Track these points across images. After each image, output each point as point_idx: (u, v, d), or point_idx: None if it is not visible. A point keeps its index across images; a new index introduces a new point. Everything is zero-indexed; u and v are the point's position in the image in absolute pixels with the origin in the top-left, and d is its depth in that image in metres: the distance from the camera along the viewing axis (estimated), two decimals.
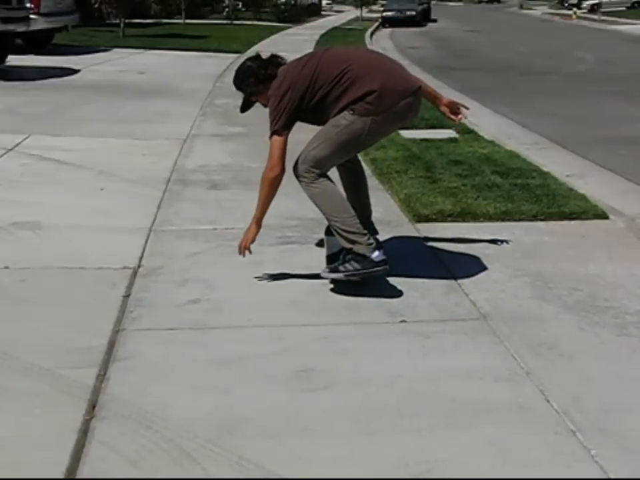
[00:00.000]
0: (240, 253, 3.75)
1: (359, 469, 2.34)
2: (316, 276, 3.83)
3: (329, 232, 3.79)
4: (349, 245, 3.59)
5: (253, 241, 3.72)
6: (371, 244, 3.59)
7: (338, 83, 3.57)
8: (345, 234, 3.58)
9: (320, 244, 4.16)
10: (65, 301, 3.51)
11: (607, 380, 2.90)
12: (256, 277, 3.84)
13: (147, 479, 2.28)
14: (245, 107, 3.89)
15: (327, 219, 3.67)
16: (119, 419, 2.56)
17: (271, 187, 3.62)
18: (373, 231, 3.94)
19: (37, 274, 3.80)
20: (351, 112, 3.55)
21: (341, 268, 3.63)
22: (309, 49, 15.14)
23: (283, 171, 3.59)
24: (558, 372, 2.94)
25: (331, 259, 3.80)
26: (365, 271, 3.59)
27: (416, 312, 3.45)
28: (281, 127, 3.55)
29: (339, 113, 3.58)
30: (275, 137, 3.57)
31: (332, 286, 3.71)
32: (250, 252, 3.75)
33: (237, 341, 3.16)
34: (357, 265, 3.58)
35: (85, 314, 3.37)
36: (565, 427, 2.56)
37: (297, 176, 3.64)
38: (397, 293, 3.64)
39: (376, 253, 3.58)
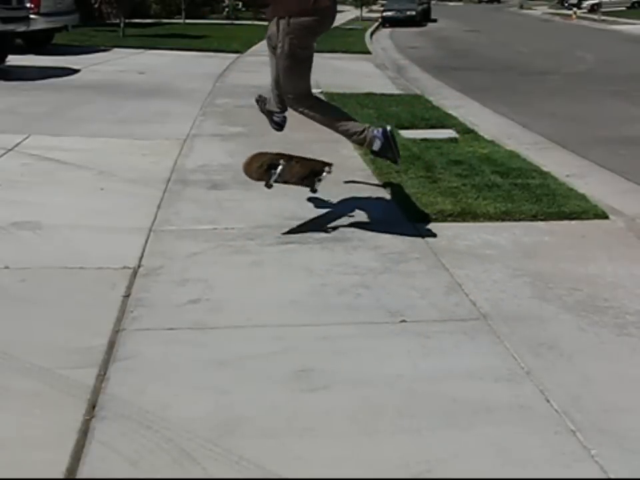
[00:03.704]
0: None
1: (359, 469, 2.34)
2: (316, 276, 3.84)
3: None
4: (362, 136, 4.31)
5: None
6: (369, 127, 4.34)
7: None
8: (353, 135, 4.36)
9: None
10: (64, 301, 3.51)
11: (607, 380, 2.90)
12: (256, 277, 3.84)
13: (147, 479, 2.28)
14: None
15: (334, 130, 4.44)
16: (119, 418, 2.56)
17: None
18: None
19: (37, 274, 3.80)
20: (283, 33, 4.12)
21: (374, 148, 4.34)
22: None
23: None
24: (558, 372, 2.94)
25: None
26: (389, 145, 4.30)
27: (416, 312, 3.45)
28: None
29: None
30: None
31: (332, 286, 3.71)
32: None
33: (236, 341, 3.16)
34: (379, 143, 4.30)
35: (85, 314, 3.38)
36: (565, 427, 2.57)
37: (296, 110, 4.40)
38: (397, 293, 3.65)
39: (378, 143, 4.29)
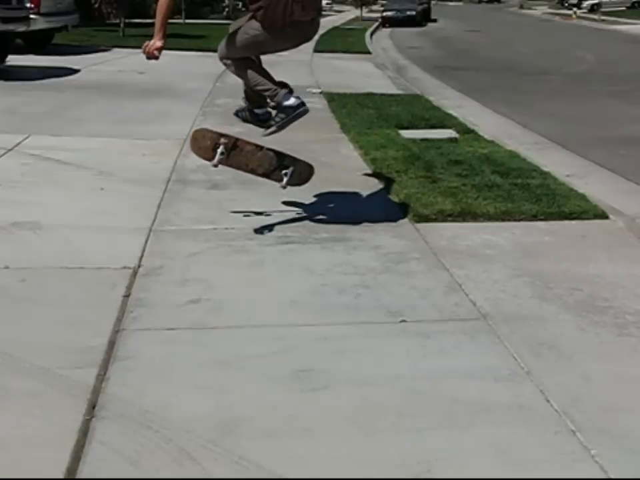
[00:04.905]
0: (146, 57, 4.36)
1: (359, 468, 2.34)
2: (316, 276, 3.84)
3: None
4: (275, 92, 4.36)
5: (158, 49, 4.37)
6: (286, 92, 4.36)
7: None
8: (266, 92, 4.40)
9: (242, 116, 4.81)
10: (65, 301, 3.51)
11: (607, 380, 2.90)
12: (256, 277, 3.84)
13: (147, 479, 2.28)
14: None
15: (251, 87, 4.48)
16: (119, 418, 2.56)
17: (167, 8, 4.69)
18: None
19: (37, 274, 3.80)
20: (262, 28, 4.21)
21: (272, 123, 4.45)
22: (309, 49, 15.16)
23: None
24: (558, 372, 2.94)
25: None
26: (292, 116, 4.36)
27: (416, 312, 3.45)
28: None
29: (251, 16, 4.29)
30: None
31: (332, 286, 3.71)
32: (156, 57, 4.34)
33: (237, 341, 3.16)
34: (282, 115, 4.38)
35: (85, 314, 3.38)
36: (565, 427, 2.57)
37: (223, 63, 4.53)
38: (397, 293, 3.65)
39: (292, 100, 4.36)
